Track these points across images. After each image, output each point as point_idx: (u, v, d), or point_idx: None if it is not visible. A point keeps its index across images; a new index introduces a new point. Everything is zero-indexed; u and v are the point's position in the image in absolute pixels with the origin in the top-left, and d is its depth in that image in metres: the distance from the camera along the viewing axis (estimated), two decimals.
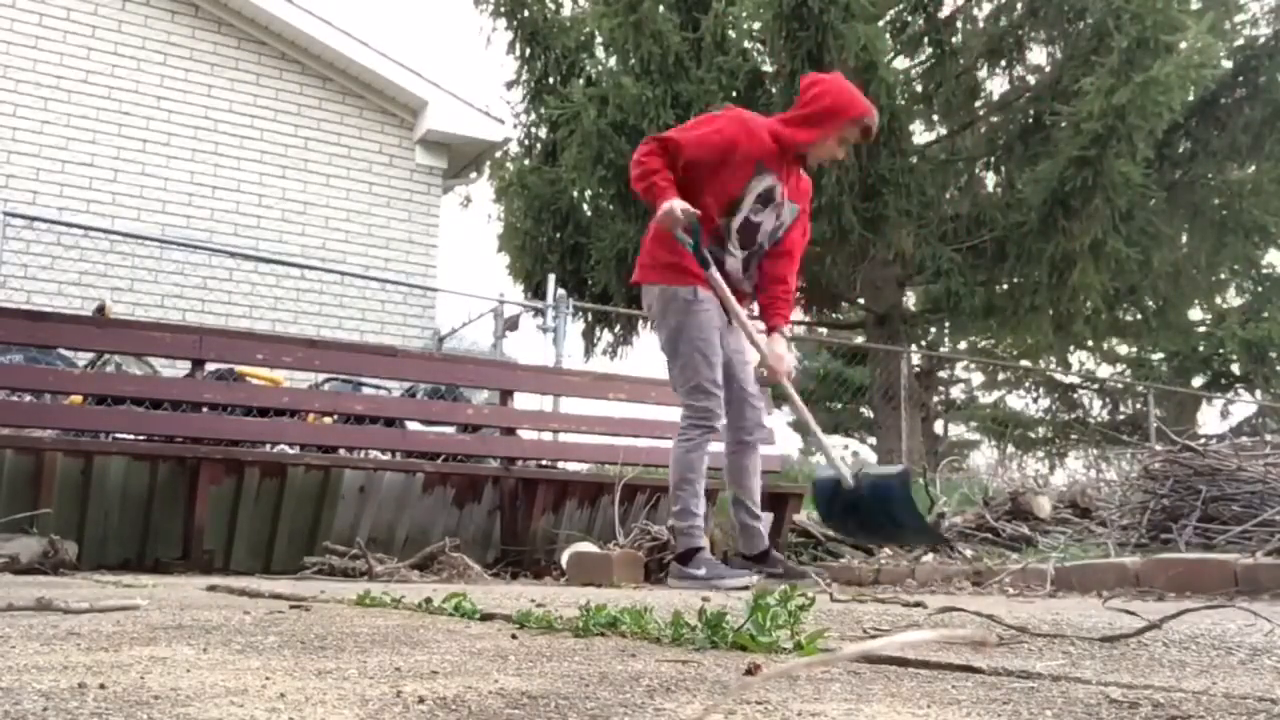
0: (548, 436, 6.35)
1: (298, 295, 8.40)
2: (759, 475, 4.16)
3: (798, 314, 12.94)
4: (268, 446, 5.01)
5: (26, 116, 7.91)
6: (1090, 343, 14.07)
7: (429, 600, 2.35)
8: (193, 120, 8.46)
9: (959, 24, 11.13)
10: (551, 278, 8.52)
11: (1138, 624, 1.92)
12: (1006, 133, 11.26)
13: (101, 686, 1.16)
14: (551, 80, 11.35)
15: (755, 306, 4.19)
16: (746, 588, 3.66)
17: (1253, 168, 10.60)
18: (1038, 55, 11.35)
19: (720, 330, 3.97)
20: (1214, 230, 10.75)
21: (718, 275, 3.88)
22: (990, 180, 11.83)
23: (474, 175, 10.48)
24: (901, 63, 11.11)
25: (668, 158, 3.85)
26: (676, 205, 3.76)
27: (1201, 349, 15.02)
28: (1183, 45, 8.77)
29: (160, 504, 4.64)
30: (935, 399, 19.37)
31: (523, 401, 5.83)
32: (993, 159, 11.52)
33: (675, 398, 5.89)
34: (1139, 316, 11.96)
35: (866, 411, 18.50)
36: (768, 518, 4.48)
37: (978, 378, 20.67)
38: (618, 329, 11.88)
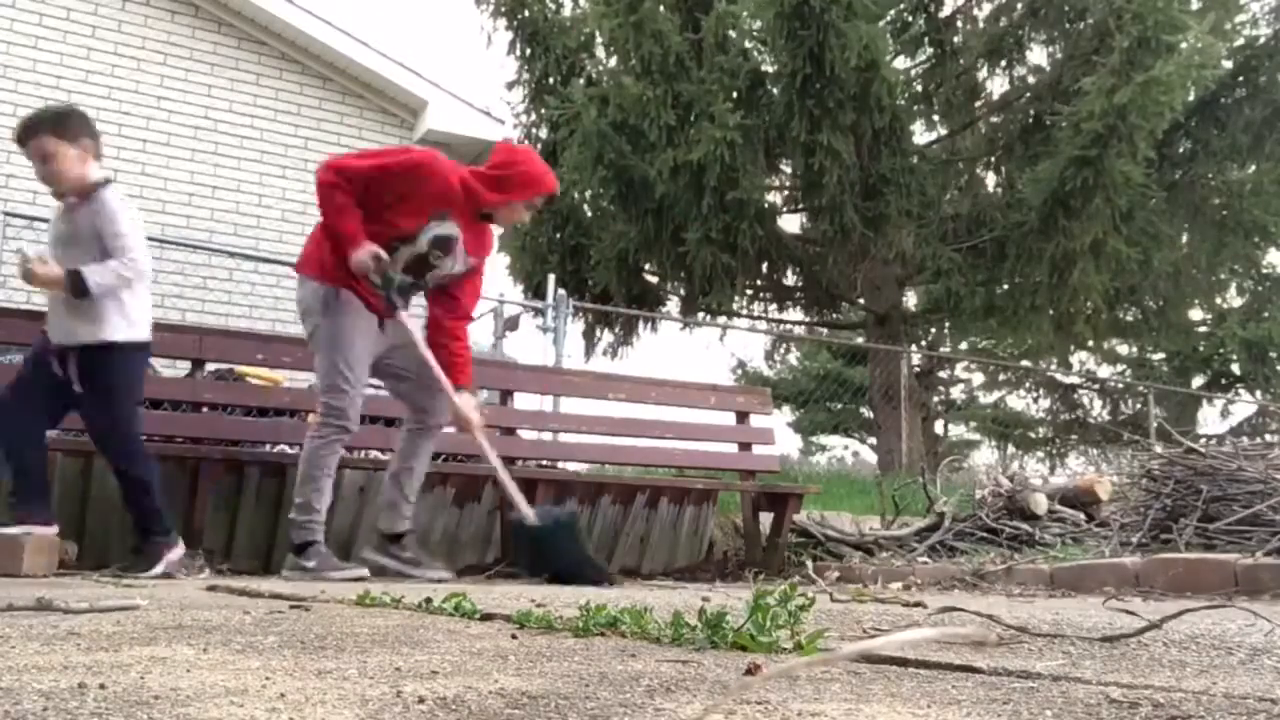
0: (548, 436, 6.34)
1: None
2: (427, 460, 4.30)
3: (797, 314, 12.94)
4: (268, 446, 5.01)
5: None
6: (1090, 343, 14.06)
7: (429, 600, 2.35)
8: (193, 120, 8.45)
9: (959, 24, 11.15)
10: (551, 278, 8.51)
11: (1138, 624, 1.92)
12: (1007, 133, 11.26)
13: (101, 686, 1.16)
14: (552, 80, 11.35)
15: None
16: (361, 579, 3.77)
17: (1253, 168, 10.59)
18: (1038, 55, 11.37)
19: (372, 336, 4.03)
20: (1214, 230, 10.75)
21: (407, 321, 4.00)
22: (990, 180, 11.84)
23: None
24: (902, 62, 11.12)
25: (353, 190, 3.87)
26: (367, 255, 3.84)
27: (1201, 349, 15.03)
28: (1183, 45, 8.76)
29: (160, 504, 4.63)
30: (935, 399, 19.37)
31: (523, 401, 5.84)
32: (993, 159, 11.53)
33: (676, 397, 5.93)
34: (1139, 316, 11.96)
35: (866, 411, 18.48)
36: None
37: (978, 378, 20.67)
38: (618, 329, 11.89)
